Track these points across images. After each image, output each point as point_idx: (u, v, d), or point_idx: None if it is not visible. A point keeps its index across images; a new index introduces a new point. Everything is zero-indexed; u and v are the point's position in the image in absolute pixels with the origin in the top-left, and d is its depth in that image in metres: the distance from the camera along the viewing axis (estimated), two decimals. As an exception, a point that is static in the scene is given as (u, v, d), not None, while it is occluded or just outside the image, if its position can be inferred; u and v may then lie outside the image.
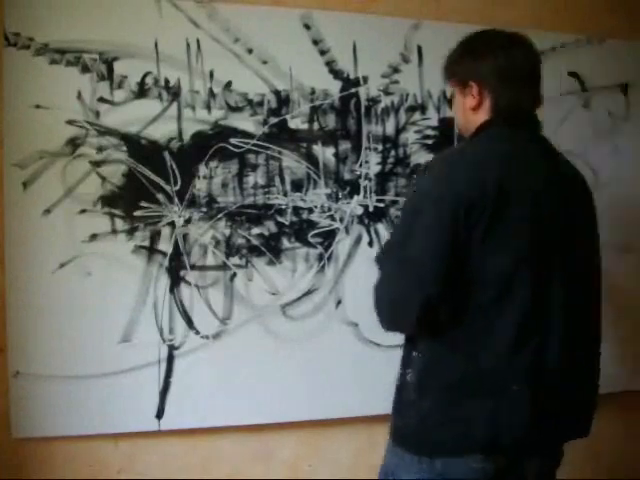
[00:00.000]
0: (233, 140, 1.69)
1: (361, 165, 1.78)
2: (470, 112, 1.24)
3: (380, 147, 1.80)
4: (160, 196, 1.64)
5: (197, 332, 1.66)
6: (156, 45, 1.63)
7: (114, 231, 1.60)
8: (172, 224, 1.65)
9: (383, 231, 1.80)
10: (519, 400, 1.10)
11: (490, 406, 1.10)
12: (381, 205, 1.80)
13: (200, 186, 1.66)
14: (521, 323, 1.11)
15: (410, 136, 1.82)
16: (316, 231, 1.75)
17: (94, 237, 1.59)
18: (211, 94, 1.67)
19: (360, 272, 1.76)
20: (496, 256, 1.09)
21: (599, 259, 1.27)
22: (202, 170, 1.67)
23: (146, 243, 1.63)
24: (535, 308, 1.12)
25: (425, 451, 1.13)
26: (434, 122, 1.84)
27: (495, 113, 1.21)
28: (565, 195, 1.19)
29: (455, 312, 1.11)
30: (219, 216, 1.68)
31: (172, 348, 1.64)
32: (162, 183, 1.64)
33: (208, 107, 1.67)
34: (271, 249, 1.71)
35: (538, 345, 1.12)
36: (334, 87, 1.76)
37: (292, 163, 1.73)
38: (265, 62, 1.71)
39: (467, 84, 1.22)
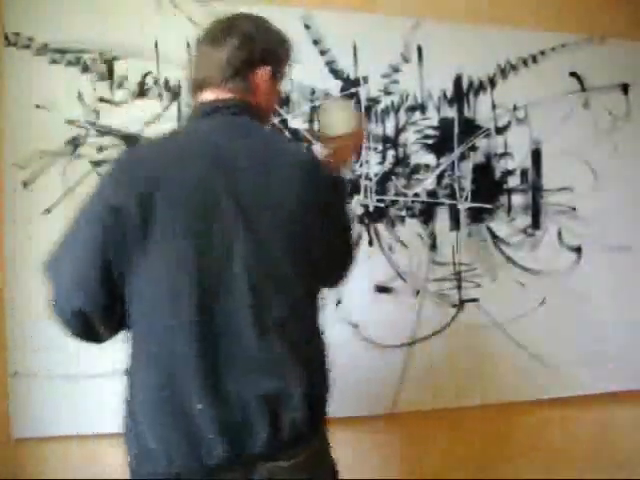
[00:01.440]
0: (233, 140, 1.69)
1: (361, 165, 1.78)
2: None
3: (380, 147, 1.80)
4: (160, 196, 1.64)
5: (197, 332, 1.65)
6: (156, 45, 1.63)
7: (114, 231, 1.60)
8: (172, 224, 1.65)
9: (383, 231, 1.80)
10: (203, 420, 0.98)
11: (176, 427, 0.98)
12: (381, 205, 1.80)
13: (200, 186, 1.66)
14: (196, 334, 0.99)
15: (410, 136, 1.82)
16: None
17: (94, 237, 1.59)
18: (211, 94, 1.67)
19: (360, 272, 1.76)
20: (155, 265, 1.00)
21: (320, 252, 1.09)
22: (202, 170, 1.66)
23: (146, 243, 1.63)
24: (205, 323, 1.00)
25: None
26: (434, 122, 1.84)
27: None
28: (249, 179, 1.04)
29: (118, 327, 1.04)
30: (219, 216, 1.68)
31: (172, 348, 1.64)
32: (162, 183, 1.64)
33: (208, 107, 1.67)
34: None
35: (214, 359, 0.99)
36: (334, 87, 1.76)
37: (292, 163, 1.73)
38: (265, 62, 1.71)
39: None
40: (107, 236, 1.00)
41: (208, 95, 1.11)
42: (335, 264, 1.19)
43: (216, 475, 0.99)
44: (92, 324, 1.03)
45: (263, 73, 1.11)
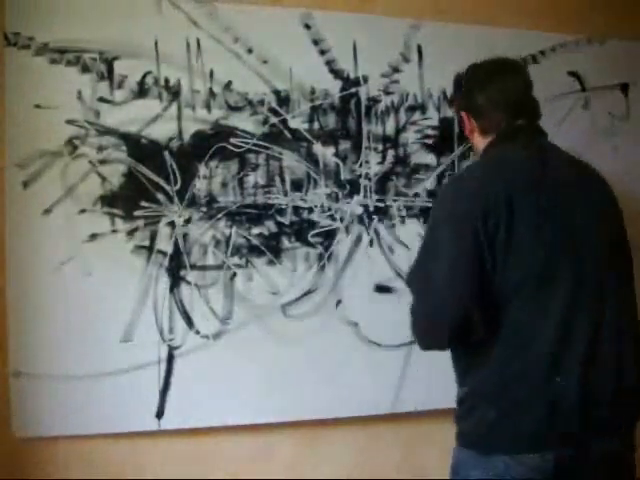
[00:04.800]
0: (233, 140, 1.69)
1: (361, 165, 1.78)
2: (472, 135, 1.42)
3: (380, 147, 1.80)
4: (160, 196, 1.64)
5: (197, 332, 1.66)
6: (156, 45, 1.63)
7: (114, 231, 1.60)
8: (172, 224, 1.65)
9: (383, 231, 1.80)
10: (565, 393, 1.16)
11: (534, 405, 1.17)
12: (381, 205, 1.80)
13: (200, 186, 1.67)
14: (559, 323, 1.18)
15: (410, 136, 1.82)
16: (316, 231, 1.75)
17: (94, 237, 1.59)
18: (211, 94, 1.67)
19: (360, 272, 1.76)
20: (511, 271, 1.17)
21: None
22: (202, 170, 1.67)
23: (146, 243, 1.63)
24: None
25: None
26: (434, 122, 1.84)
27: (494, 134, 1.35)
28: (573, 195, 1.30)
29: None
30: (219, 216, 1.68)
31: (172, 348, 1.64)
32: (162, 183, 1.64)
33: (208, 107, 1.67)
34: (271, 249, 1.71)
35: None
36: (334, 87, 1.76)
37: (292, 163, 1.73)
38: (265, 62, 1.71)
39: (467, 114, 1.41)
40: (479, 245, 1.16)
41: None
42: None
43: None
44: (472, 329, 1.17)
45: None
